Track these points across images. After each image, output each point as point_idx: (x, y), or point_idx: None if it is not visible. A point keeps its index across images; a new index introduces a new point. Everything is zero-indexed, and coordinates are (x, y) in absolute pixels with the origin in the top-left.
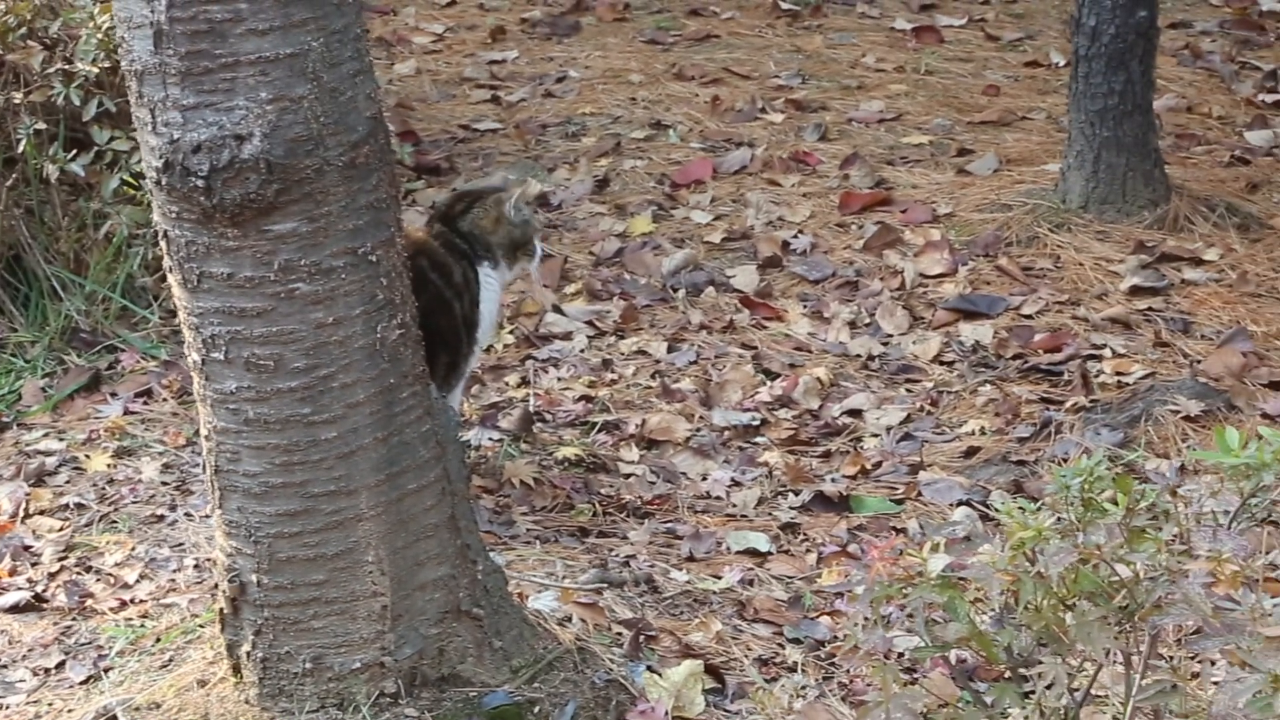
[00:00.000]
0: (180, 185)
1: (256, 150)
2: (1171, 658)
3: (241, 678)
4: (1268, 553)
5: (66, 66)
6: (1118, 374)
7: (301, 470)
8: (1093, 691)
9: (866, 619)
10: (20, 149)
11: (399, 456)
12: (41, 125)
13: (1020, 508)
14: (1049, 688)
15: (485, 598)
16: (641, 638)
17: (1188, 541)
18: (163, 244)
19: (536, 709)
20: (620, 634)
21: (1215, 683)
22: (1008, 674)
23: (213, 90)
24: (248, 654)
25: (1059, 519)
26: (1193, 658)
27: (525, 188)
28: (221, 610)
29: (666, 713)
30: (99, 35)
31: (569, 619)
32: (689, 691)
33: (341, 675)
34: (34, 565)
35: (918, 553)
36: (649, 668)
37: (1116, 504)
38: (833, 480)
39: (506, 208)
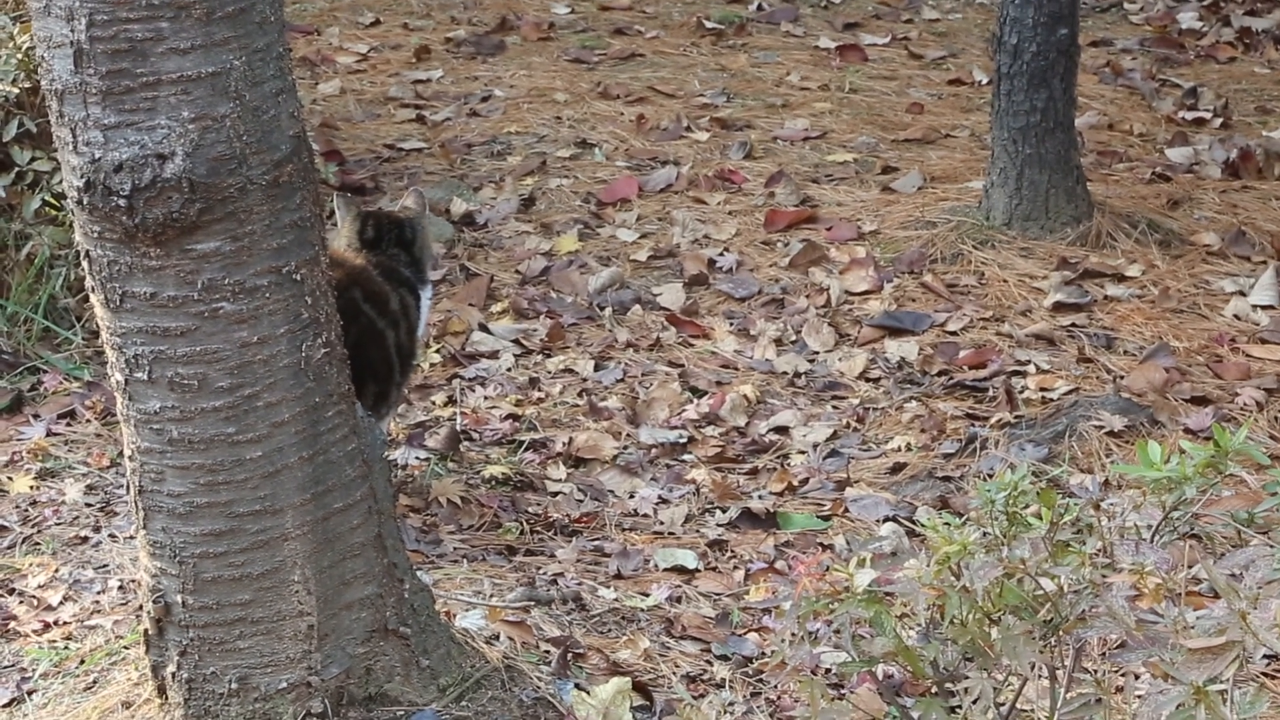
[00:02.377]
0: (102, 205)
1: (179, 169)
2: (1096, 671)
3: (166, 699)
4: (1190, 566)
5: None
6: (1042, 390)
7: (226, 490)
8: (1019, 706)
9: (793, 635)
10: None
11: (325, 475)
12: None
13: (945, 523)
14: (975, 702)
15: (412, 616)
16: (569, 655)
17: (1111, 555)
18: (85, 264)
19: None
20: (548, 652)
21: (1139, 696)
22: (934, 689)
23: (134, 109)
24: (173, 675)
25: (984, 534)
26: (1117, 671)
27: (412, 192)
28: (146, 631)
29: None
30: (19, 55)
31: (496, 637)
32: (617, 709)
33: (268, 695)
34: None
35: (844, 568)
36: (577, 685)
37: (1040, 519)
38: (760, 497)
39: (424, 206)
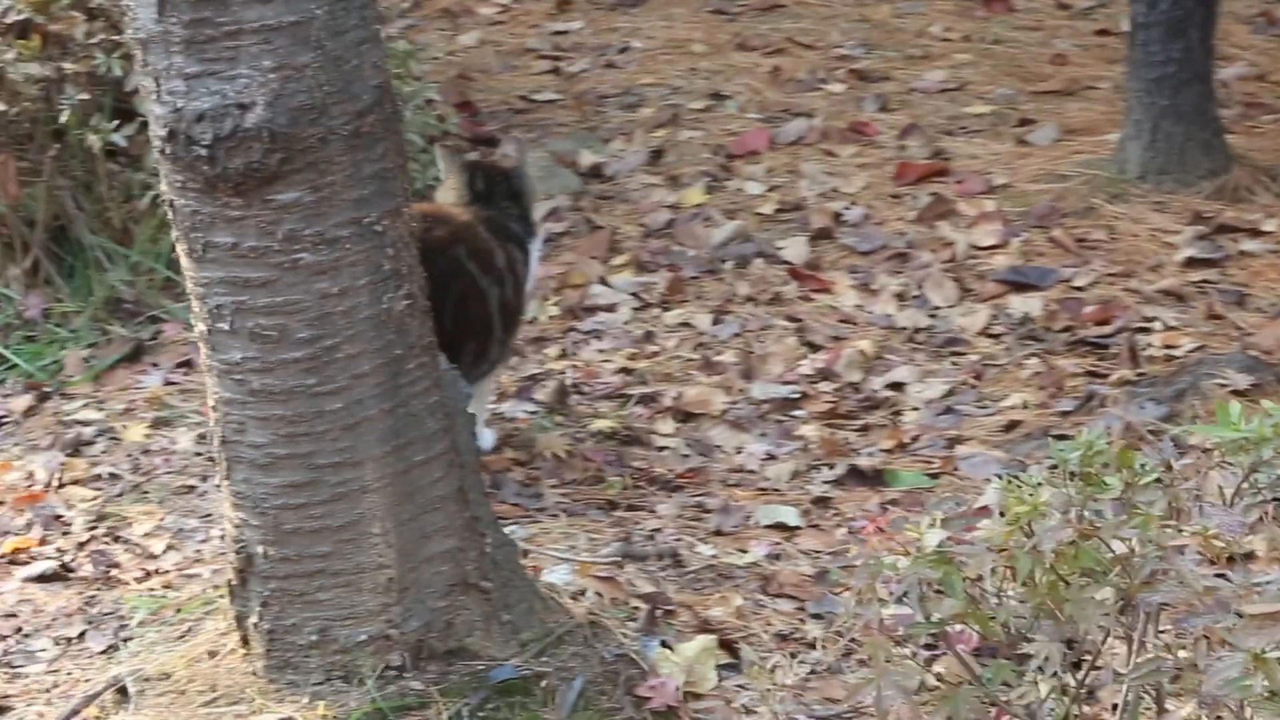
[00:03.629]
0: (184, 154)
1: (259, 119)
2: (1179, 635)
3: (250, 649)
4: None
5: (110, 36)
6: (1166, 347)
7: (306, 441)
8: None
9: (861, 594)
10: (63, 120)
11: (405, 428)
12: (85, 96)
13: (1018, 482)
14: (1041, 669)
15: (494, 571)
16: (659, 612)
17: (1178, 518)
18: (169, 213)
19: (543, 683)
20: (638, 608)
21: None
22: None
23: (216, 58)
24: (255, 625)
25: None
26: (1186, 636)
27: (512, 143)
28: (230, 582)
29: (677, 688)
30: None
31: (583, 593)
32: (701, 667)
33: (347, 647)
34: (64, 535)
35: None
36: (664, 642)
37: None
38: (868, 454)
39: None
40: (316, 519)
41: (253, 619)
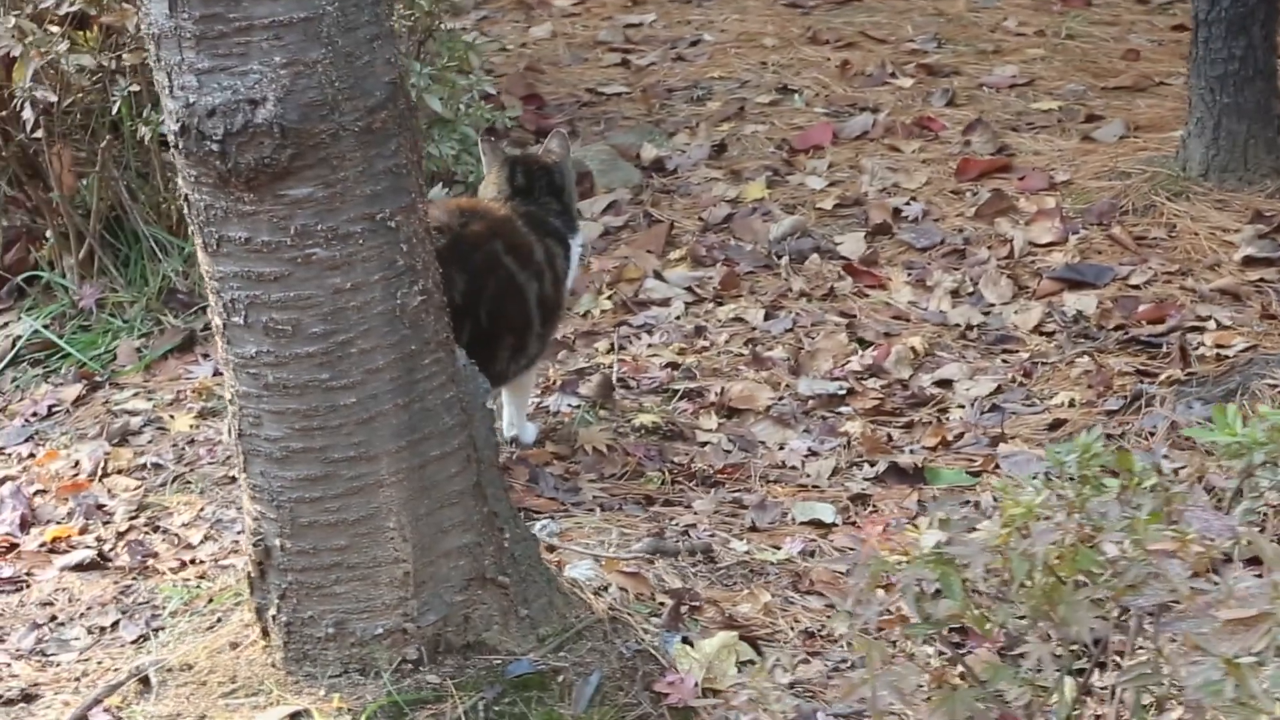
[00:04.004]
0: (196, 149)
1: (270, 115)
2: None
3: (269, 641)
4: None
5: None
6: (1218, 346)
7: (321, 435)
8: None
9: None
10: (116, 111)
11: (421, 423)
12: (137, 87)
13: (1016, 484)
14: (1038, 671)
15: (512, 565)
16: (684, 608)
17: (1167, 521)
18: (185, 207)
19: (560, 678)
20: (663, 604)
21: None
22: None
23: (227, 54)
24: (273, 618)
25: (1057, 496)
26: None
27: (557, 132)
28: (249, 574)
29: (696, 684)
30: None
31: (606, 588)
32: (721, 663)
33: (364, 640)
34: (105, 524)
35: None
36: (685, 639)
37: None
38: (911, 451)
39: (568, 147)
40: (332, 512)
41: (271, 611)
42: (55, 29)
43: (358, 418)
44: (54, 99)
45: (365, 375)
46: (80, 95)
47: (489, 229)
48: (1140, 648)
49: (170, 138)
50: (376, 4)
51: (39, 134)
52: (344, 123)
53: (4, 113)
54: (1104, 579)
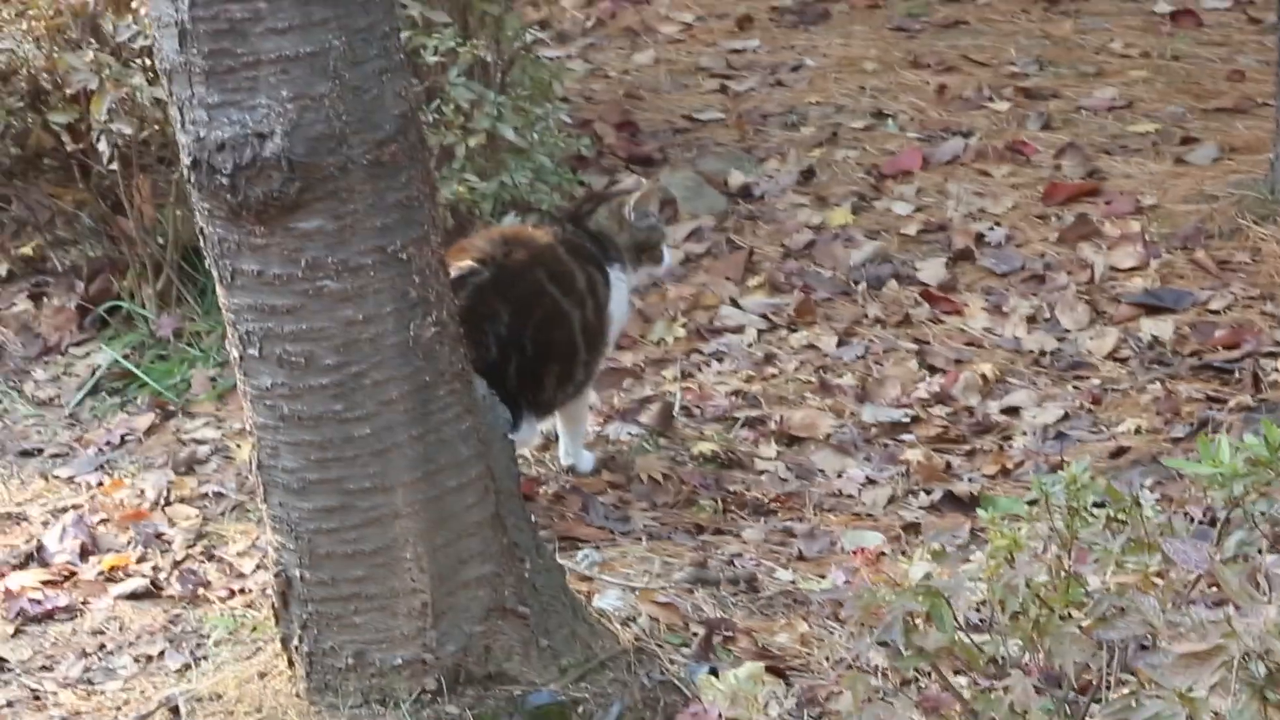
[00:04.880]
0: (208, 183)
1: (277, 148)
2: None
3: (294, 671)
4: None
5: None
6: None
7: (336, 466)
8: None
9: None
10: None
11: (436, 454)
12: None
13: (1002, 516)
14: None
15: (533, 596)
16: (717, 638)
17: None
18: (201, 240)
19: (581, 709)
20: (696, 634)
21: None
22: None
23: (236, 89)
24: (296, 648)
25: (1050, 528)
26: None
27: (646, 191)
28: (273, 604)
29: (720, 715)
30: None
31: (634, 618)
32: (748, 694)
33: (384, 671)
34: (163, 553)
35: (906, 560)
36: (713, 669)
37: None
38: (969, 479)
39: (626, 209)
40: (349, 543)
41: (295, 641)
42: (133, 63)
43: (372, 449)
44: (129, 131)
45: (379, 407)
46: (157, 127)
47: (531, 257)
48: (1123, 681)
49: (184, 171)
50: (386, 38)
51: (115, 166)
52: (352, 156)
53: (83, 146)
54: (1084, 613)
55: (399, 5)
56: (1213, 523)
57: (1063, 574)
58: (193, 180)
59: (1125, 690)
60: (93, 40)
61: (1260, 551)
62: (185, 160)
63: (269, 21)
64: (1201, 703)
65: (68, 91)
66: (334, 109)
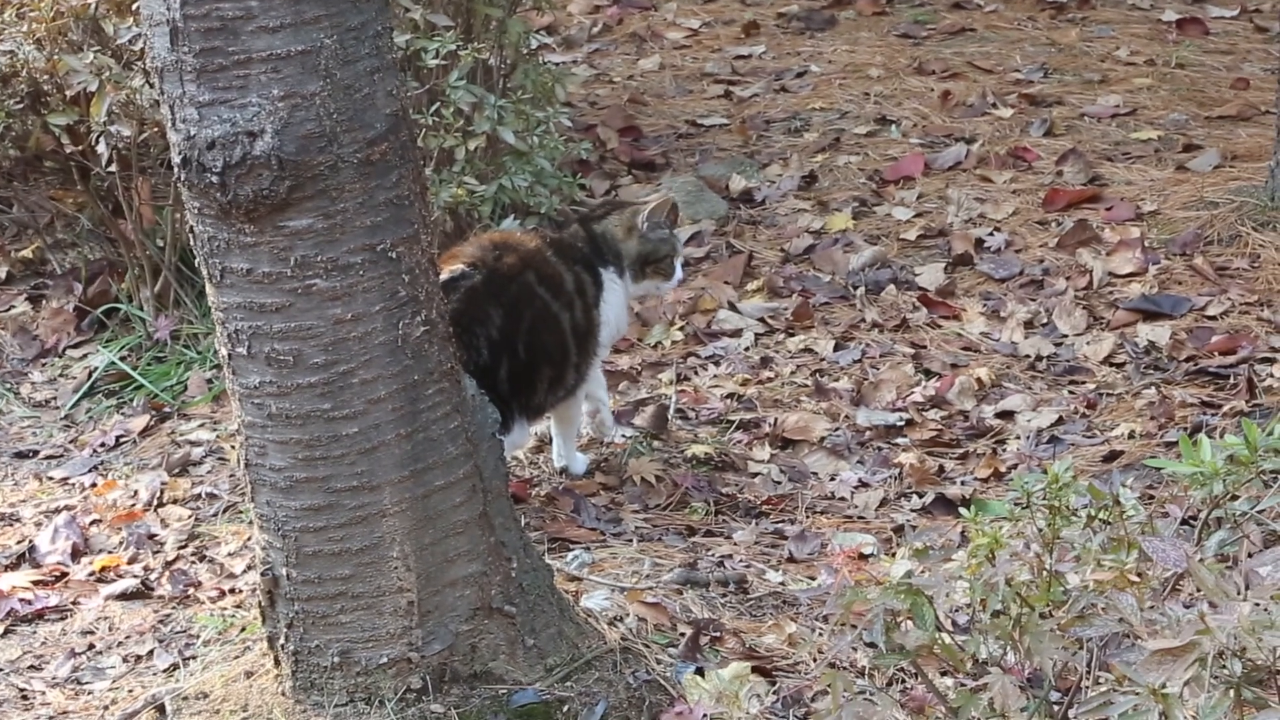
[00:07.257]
0: (198, 181)
1: (268, 147)
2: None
3: (280, 670)
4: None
5: None
6: None
7: (324, 465)
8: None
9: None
10: None
11: (424, 453)
12: None
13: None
14: (991, 706)
15: (520, 595)
16: (704, 638)
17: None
18: (190, 239)
19: (565, 708)
20: (683, 634)
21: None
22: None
23: (227, 87)
24: (282, 647)
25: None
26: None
27: (661, 201)
28: (260, 603)
29: (706, 715)
30: None
31: (621, 618)
32: (734, 694)
33: (369, 670)
34: (155, 553)
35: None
36: (699, 669)
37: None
38: (961, 483)
39: (639, 219)
40: (336, 542)
41: (281, 640)
42: (134, 65)
43: (360, 447)
44: (129, 134)
45: (367, 405)
46: (157, 129)
47: (521, 261)
48: (1100, 679)
49: (175, 169)
50: (378, 37)
51: (114, 168)
52: (343, 154)
53: (83, 148)
54: (1062, 610)
55: (400, 8)
56: (1192, 521)
57: (1044, 573)
58: (183, 178)
59: (1103, 688)
60: (93, 42)
61: (1236, 552)
62: (175, 158)
63: (260, 20)
64: (1174, 699)
65: (68, 94)
66: (325, 107)
